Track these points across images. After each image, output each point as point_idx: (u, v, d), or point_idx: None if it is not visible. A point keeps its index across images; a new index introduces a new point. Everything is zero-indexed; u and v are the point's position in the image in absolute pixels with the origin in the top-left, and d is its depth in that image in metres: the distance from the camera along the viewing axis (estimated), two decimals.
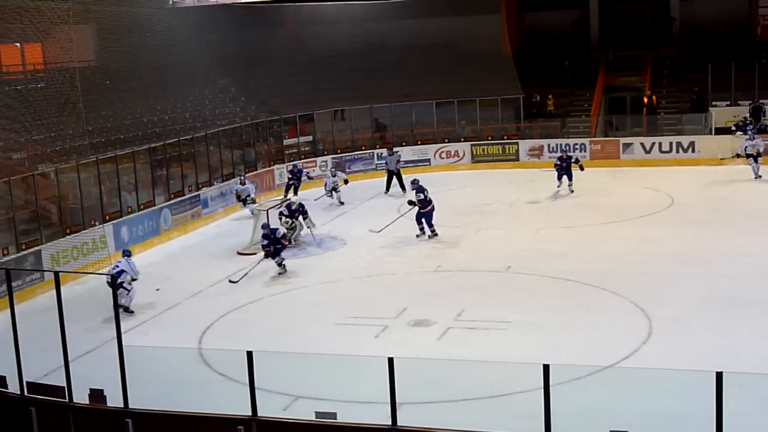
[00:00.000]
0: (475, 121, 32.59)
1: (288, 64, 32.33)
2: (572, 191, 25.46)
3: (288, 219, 21.12)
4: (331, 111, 31.49)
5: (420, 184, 21.37)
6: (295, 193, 26.28)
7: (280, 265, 18.62)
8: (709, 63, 30.81)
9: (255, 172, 27.73)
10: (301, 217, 21.44)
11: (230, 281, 18.01)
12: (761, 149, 26.06)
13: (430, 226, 20.97)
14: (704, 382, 8.54)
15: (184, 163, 24.70)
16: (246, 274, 18.24)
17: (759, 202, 23.10)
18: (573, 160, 25.83)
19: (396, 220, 21.45)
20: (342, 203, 25.87)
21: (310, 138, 30.95)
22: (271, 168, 28.61)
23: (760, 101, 30.24)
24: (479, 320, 14.89)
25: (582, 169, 25.82)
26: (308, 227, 21.57)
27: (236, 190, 25.02)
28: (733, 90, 30.97)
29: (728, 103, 31.04)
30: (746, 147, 26.18)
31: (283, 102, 31.06)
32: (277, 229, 19.32)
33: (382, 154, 29.56)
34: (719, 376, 8.30)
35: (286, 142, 30.09)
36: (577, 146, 30.79)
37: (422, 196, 20.95)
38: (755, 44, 33.09)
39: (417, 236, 21.00)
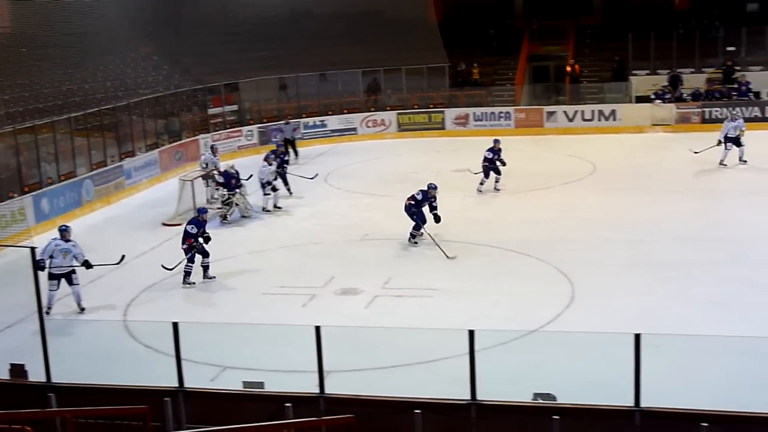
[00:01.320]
0: (402, 90, 32.62)
1: (212, 32, 31.79)
2: (498, 190, 22.19)
3: (225, 190, 20.24)
4: (257, 80, 31.15)
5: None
6: (286, 183, 22.58)
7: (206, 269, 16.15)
8: (630, 33, 31.35)
9: (179, 142, 27.34)
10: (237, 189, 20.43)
11: (164, 267, 15.97)
12: (744, 129, 23.67)
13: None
14: (624, 343, 8.77)
15: (106, 133, 24.22)
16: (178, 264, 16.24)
17: (677, 168, 23.63)
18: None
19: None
20: (278, 207, 21.33)
21: (235, 107, 30.63)
22: (196, 138, 28.20)
23: (678, 70, 30.91)
24: (406, 288, 15.01)
25: (504, 164, 22.08)
26: (243, 196, 20.61)
27: (206, 162, 22.48)
28: (653, 59, 31.59)
29: (648, 72, 31.67)
30: (728, 130, 23.59)
31: (207, 71, 30.61)
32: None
33: (280, 125, 29.10)
34: (637, 337, 8.54)
35: (211, 111, 29.73)
36: (503, 114, 31.10)
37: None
38: (673, 14, 33.70)
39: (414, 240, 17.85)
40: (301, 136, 29.64)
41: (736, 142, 23.48)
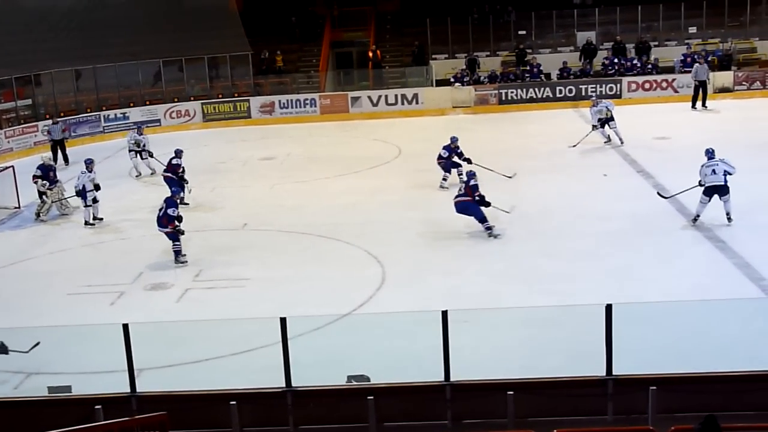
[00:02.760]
0: (205, 80, 32.14)
1: None
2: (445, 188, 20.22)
3: (44, 181, 19.37)
4: (52, 72, 29.76)
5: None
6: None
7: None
8: (428, 18, 32.23)
9: None
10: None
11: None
12: (612, 108, 23.41)
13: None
14: (433, 321, 9.08)
15: None
16: None
17: (478, 148, 24.40)
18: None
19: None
20: (99, 219, 19.07)
21: (29, 101, 29.16)
22: None
23: (474, 54, 32.07)
24: (218, 279, 14.87)
25: (469, 161, 20.12)
26: (60, 192, 19.83)
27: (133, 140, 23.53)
28: (450, 44, 32.64)
29: (447, 56, 32.70)
30: (596, 115, 23.47)
31: None
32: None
33: (46, 125, 26.94)
34: (444, 314, 8.87)
35: (2, 106, 28.17)
36: (308, 101, 31.21)
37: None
38: (468, 0, 34.84)
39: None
40: (69, 135, 27.49)
41: (608, 121, 23.44)
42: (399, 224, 17.56)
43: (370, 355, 10.68)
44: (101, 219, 19.06)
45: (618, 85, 30.21)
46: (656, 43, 32.21)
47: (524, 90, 30.42)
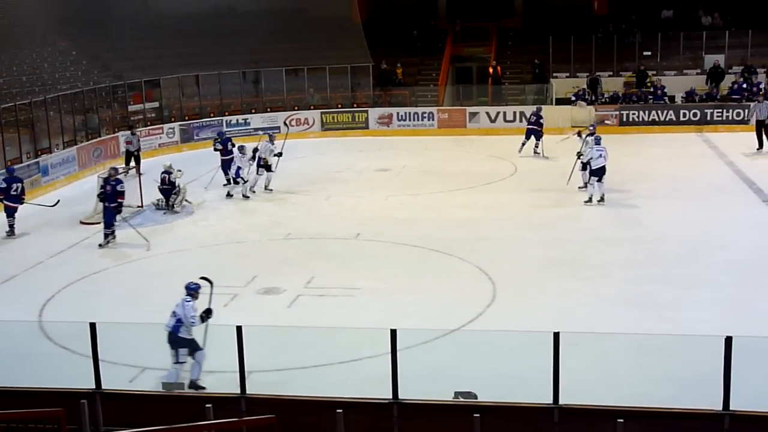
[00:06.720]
0: (325, 89, 32.61)
1: (132, 28, 31.24)
2: (538, 153, 26.41)
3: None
4: (178, 77, 30.76)
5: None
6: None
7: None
8: (550, 36, 31.89)
9: (98, 139, 26.79)
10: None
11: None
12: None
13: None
14: (543, 342, 8.92)
15: (22, 129, 23.60)
16: None
17: None
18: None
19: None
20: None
21: (156, 104, 30.17)
22: (116, 135, 27.63)
23: (597, 74, 31.55)
24: (329, 287, 14.98)
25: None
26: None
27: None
28: (572, 62, 32.21)
29: (568, 74, 32.28)
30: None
31: (127, 66, 30.10)
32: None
33: (126, 135, 26.17)
34: (556, 336, 8.71)
35: (131, 108, 29.22)
36: (426, 115, 31.31)
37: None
38: (592, 19, 34.39)
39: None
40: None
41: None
42: (512, 242, 17.40)
43: (478, 372, 10.58)
44: (271, 190, 22.46)
45: (746, 111, 29.21)
46: None
47: (646, 112, 29.77)
